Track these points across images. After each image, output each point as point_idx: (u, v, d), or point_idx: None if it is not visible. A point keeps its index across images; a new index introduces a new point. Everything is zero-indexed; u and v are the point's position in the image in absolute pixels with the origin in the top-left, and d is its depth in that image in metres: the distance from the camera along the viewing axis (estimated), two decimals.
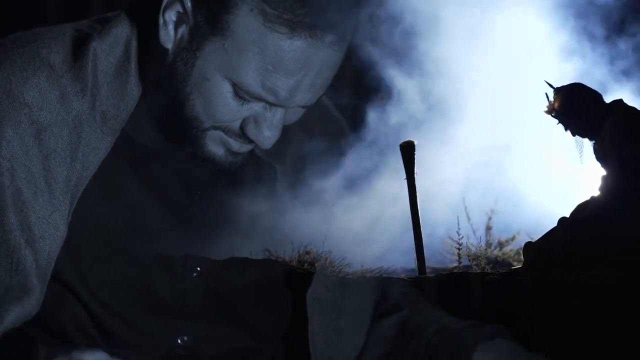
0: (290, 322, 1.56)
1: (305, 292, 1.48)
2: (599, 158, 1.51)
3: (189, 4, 1.37)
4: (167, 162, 1.50)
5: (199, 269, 1.49)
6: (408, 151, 1.48)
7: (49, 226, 1.39)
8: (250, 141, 1.47)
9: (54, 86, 1.43)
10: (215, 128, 1.44)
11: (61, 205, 1.41)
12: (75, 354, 1.29)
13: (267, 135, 1.42)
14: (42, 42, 1.45)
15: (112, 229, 1.46)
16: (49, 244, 1.39)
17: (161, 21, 1.40)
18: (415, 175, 1.48)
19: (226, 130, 1.45)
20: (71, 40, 1.47)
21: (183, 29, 1.40)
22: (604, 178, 1.49)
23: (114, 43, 1.46)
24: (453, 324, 1.47)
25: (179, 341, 1.49)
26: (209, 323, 1.51)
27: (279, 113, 1.42)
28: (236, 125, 1.44)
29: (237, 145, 1.46)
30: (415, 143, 1.50)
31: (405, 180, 1.49)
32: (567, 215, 1.51)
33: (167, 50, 1.42)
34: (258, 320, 1.55)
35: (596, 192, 1.51)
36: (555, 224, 1.51)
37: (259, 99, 1.40)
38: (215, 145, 1.46)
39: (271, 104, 1.41)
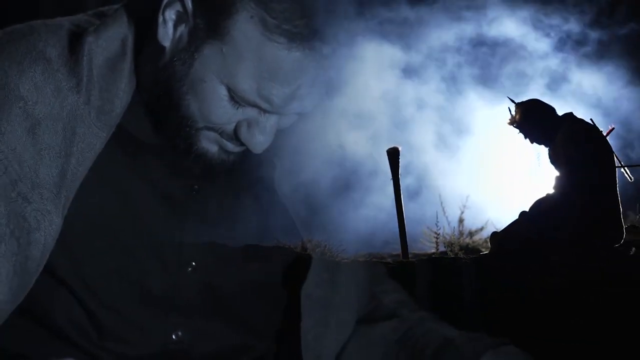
0: (288, 318, 1.51)
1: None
2: (552, 162, 1.71)
3: (189, 5, 1.34)
4: (163, 156, 1.45)
5: (194, 263, 1.46)
6: (394, 156, 1.66)
7: (44, 218, 1.36)
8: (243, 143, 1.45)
9: (49, 80, 1.38)
10: (209, 129, 1.41)
11: (56, 199, 1.37)
12: None
13: (260, 140, 1.39)
14: (39, 35, 1.41)
15: (108, 223, 1.41)
16: (44, 235, 1.35)
17: (160, 19, 1.36)
18: (399, 176, 1.64)
19: (220, 132, 1.40)
20: (67, 34, 1.43)
21: (182, 29, 1.36)
22: (557, 178, 1.69)
23: (110, 38, 1.43)
24: (457, 337, 1.43)
25: (174, 336, 1.44)
26: (204, 318, 1.45)
27: (272, 119, 1.38)
28: (230, 128, 1.40)
29: (231, 145, 1.42)
30: (400, 149, 1.67)
31: (392, 180, 1.63)
32: (527, 209, 1.71)
33: (164, 48, 1.37)
34: (255, 317, 1.50)
35: (551, 190, 1.71)
36: (517, 217, 1.71)
37: (254, 105, 1.36)
38: (208, 143, 1.42)
39: (265, 111, 1.38)
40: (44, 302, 1.38)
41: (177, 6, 1.33)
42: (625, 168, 1.74)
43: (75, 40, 1.40)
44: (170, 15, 1.34)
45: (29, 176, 1.35)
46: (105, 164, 1.39)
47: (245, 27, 1.29)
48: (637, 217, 1.78)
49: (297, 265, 1.48)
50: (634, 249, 1.68)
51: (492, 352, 1.37)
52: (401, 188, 1.66)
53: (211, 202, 1.46)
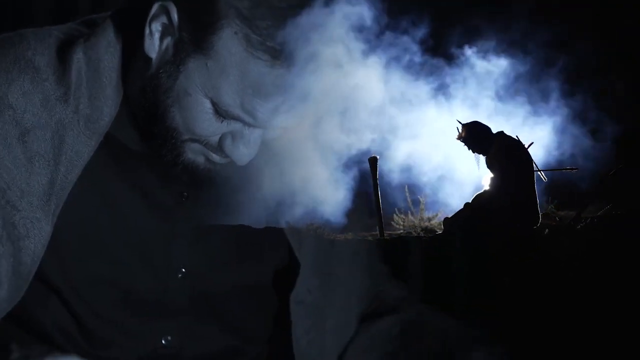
0: (278, 322, 1.49)
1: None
2: (488, 167, 2.18)
3: (175, 17, 1.28)
4: (152, 164, 1.41)
5: (183, 269, 1.42)
6: (373, 163, 2.12)
7: (33, 226, 1.29)
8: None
9: (37, 89, 1.32)
10: (194, 141, 1.35)
11: (45, 207, 1.30)
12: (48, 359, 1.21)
13: (243, 153, 1.34)
14: (28, 43, 1.35)
15: (97, 230, 1.37)
16: (34, 242, 1.30)
17: (147, 31, 1.30)
18: (377, 179, 2.07)
19: (204, 144, 1.35)
20: (56, 43, 1.37)
21: (168, 41, 1.30)
22: (491, 179, 2.17)
23: (99, 48, 1.36)
24: (451, 328, 1.44)
25: (163, 341, 1.41)
26: (195, 323, 1.43)
27: (257, 132, 1.34)
28: (214, 140, 1.35)
29: (216, 157, 1.38)
30: (378, 158, 2.12)
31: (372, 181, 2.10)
32: (470, 201, 2.17)
33: (150, 59, 1.31)
34: (247, 320, 1.48)
35: (487, 187, 2.18)
36: (462, 207, 2.18)
37: (238, 119, 1.31)
38: (194, 154, 1.37)
39: (249, 125, 1.32)
40: (33, 310, 1.33)
41: (163, 18, 1.28)
42: (541, 171, 2.17)
43: (64, 49, 1.34)
44: (157, 27, 1.29)
45: (18, 184, 1.28)
46: (94, 171, 1.35)
47: (229, 43, 1.24)
48: (550, 206, 2.25)
49: (289, 269, 1.46)
50: (547, 230, 2.13)
51: (483, 351, 1.38)
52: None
53: (201, 208, 1.42)
